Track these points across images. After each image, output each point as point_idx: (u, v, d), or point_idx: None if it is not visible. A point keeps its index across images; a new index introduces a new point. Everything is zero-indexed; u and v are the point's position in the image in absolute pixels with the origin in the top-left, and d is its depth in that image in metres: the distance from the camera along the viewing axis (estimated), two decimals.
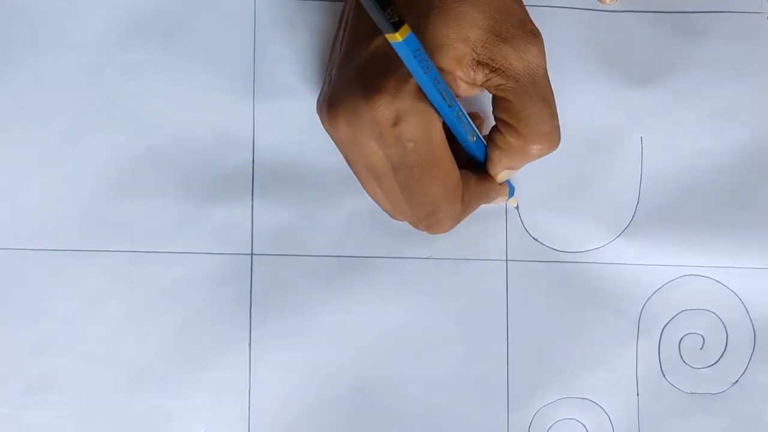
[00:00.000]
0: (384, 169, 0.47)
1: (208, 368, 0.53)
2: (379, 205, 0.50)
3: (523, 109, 0.46)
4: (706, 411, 0.54)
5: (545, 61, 0.46)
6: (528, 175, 0.54)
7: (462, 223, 0.53)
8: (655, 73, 0.54)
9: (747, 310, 0.54)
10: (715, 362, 0.54)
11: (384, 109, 0.45)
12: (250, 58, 0.54)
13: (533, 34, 0.46)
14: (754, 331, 0.54)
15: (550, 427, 0.53)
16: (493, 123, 0.48)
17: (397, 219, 0.51)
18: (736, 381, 0.54)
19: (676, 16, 0.55)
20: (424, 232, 0.51)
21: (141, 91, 0.53)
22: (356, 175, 0.50)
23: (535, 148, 0.47)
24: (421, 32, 0.45)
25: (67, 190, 0.53)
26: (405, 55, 0.43)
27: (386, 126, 0.45)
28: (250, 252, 0.53)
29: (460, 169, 0.48)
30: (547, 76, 0.46)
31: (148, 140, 0.53)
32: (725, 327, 0.54)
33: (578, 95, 0.54)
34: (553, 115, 0.47)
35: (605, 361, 0.54)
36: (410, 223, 0.51)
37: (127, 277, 0.53)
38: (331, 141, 0.49)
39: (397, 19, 0.42)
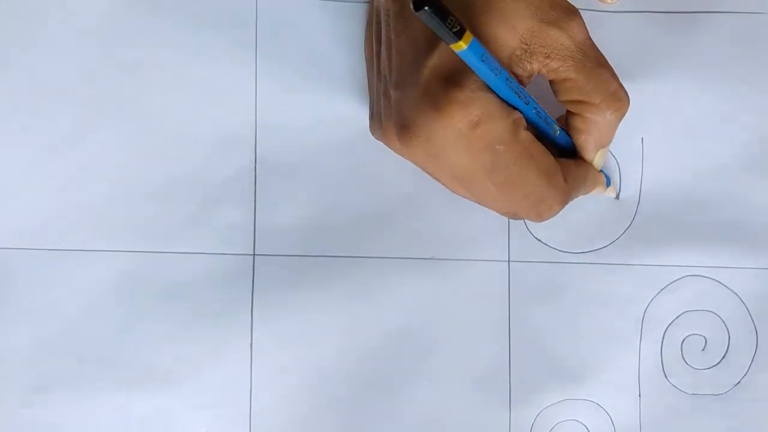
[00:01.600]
0: (476, 175, 0.47)
1: (209, 369, 0.53)
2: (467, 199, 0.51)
3: (588, 81, 0.47)
4: (708, 412, 0.54)
5: (588, 30, 0.47)
6: None
7: (464, 223, 0.53)
8: (656, 73, 0.54)
9: (749, 311, 0.54)
10: (717, 363, 0.54)
11: (463, 118, 0.45)
12: (251, 58, 0.54)
13: (571, 11, 0.47)
14: (756, 333, 0.54)
15: (552, 429, 0.53)
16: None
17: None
18: (738, 382, 0.54)
19: (678, 17, 0.55)
20: (532, 221, 0.51)
21: (143, 91, 0.53)
22: (440, 182, 0.50)
23: (610, 113, 0.48)
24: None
25: (69, 190, 0.53)
26: (472, 62, 0.43)
27: (472, 134, 0.45)
28: (252, 252, 0.53)
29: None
30: (594, 43, 0.48)
31: (150, 140, 0.53)
32: (727, 328, 0.54)
33: None
34: (614, 75, 0.48)
35: (607, 362, 0.54)
36: (507, 214, 0.51)
37: (129, 277, 0.52)
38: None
39: (459, 27, 0.41)
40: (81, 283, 0.52)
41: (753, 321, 0.54)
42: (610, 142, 0.50)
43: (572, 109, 0.49)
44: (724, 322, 0.54)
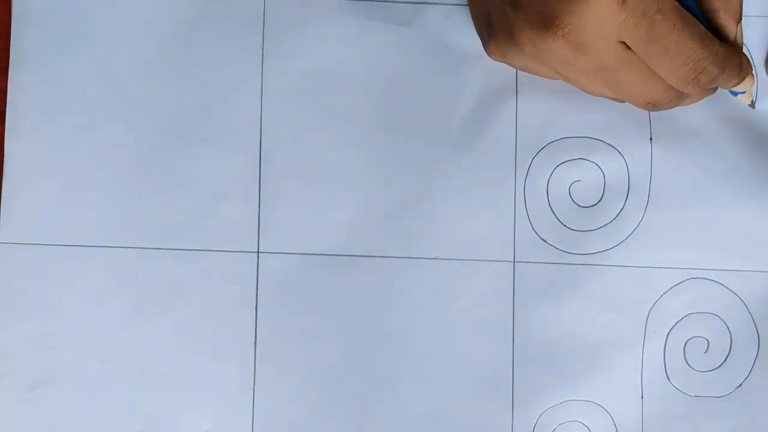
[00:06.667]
0: (623, 59, 0.47)
1: (212, 366, 0.52)
2: (603, 96, 0.50)
3: None
4: (710, 414, 0.54)
5: None
6: (533, 177, 0.54)
7: (469, 223, 0.53)
8: None
9: (751, 313, 0.54)
10: (720, 366, 0.54)
11: None
12: (258, 56, 0.53)
13: None
14: (758, 335, 0.54)
15: (554, 430, 0.53)
16: None
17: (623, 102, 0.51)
18: (740, 384, 0.54)
19: None
20: (665, 109, 0.50)
21: (149, 89, 0.53)
22: (577, 84, 0.49)
23: None
24: None
25: (75, 186, 0.53)
26: None
27: (622, 9, 0.45)
28: (256, 250, 0.53)
29: None
30: None
31: (156, 137, 0.53)
32: (729, 331, 0.54)
33: (585, 97, 0.54)
34: None
35: (610, 364, 0.54)
36: (649, 104, 0.50)
37: (133, 273, 0.52)
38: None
39: None
40: (84, 280, 0.52)
41: (755, 324, 0.54)
42: (741, 11, 0.49)
43: None
44: (726, 324, 0.54)
